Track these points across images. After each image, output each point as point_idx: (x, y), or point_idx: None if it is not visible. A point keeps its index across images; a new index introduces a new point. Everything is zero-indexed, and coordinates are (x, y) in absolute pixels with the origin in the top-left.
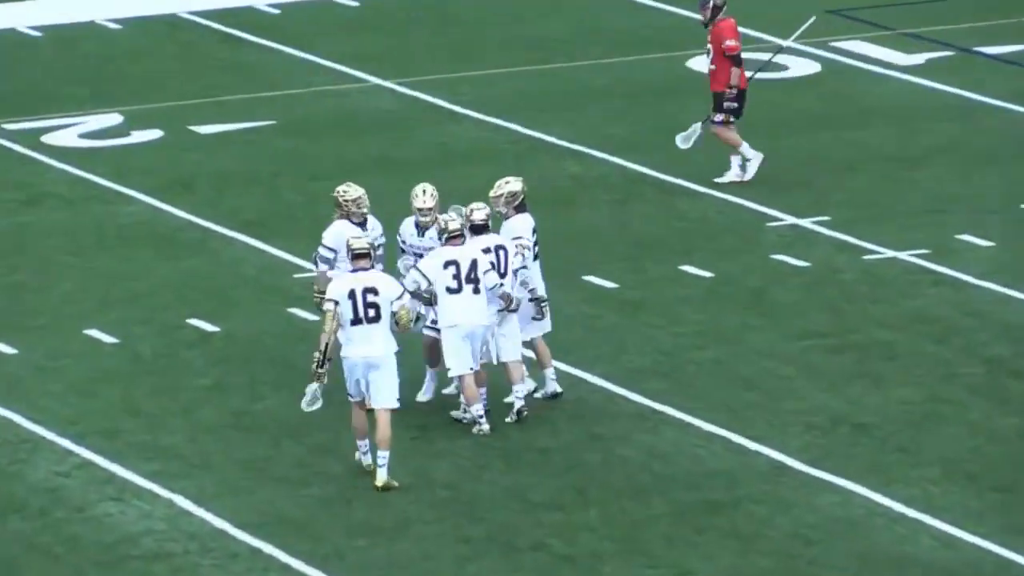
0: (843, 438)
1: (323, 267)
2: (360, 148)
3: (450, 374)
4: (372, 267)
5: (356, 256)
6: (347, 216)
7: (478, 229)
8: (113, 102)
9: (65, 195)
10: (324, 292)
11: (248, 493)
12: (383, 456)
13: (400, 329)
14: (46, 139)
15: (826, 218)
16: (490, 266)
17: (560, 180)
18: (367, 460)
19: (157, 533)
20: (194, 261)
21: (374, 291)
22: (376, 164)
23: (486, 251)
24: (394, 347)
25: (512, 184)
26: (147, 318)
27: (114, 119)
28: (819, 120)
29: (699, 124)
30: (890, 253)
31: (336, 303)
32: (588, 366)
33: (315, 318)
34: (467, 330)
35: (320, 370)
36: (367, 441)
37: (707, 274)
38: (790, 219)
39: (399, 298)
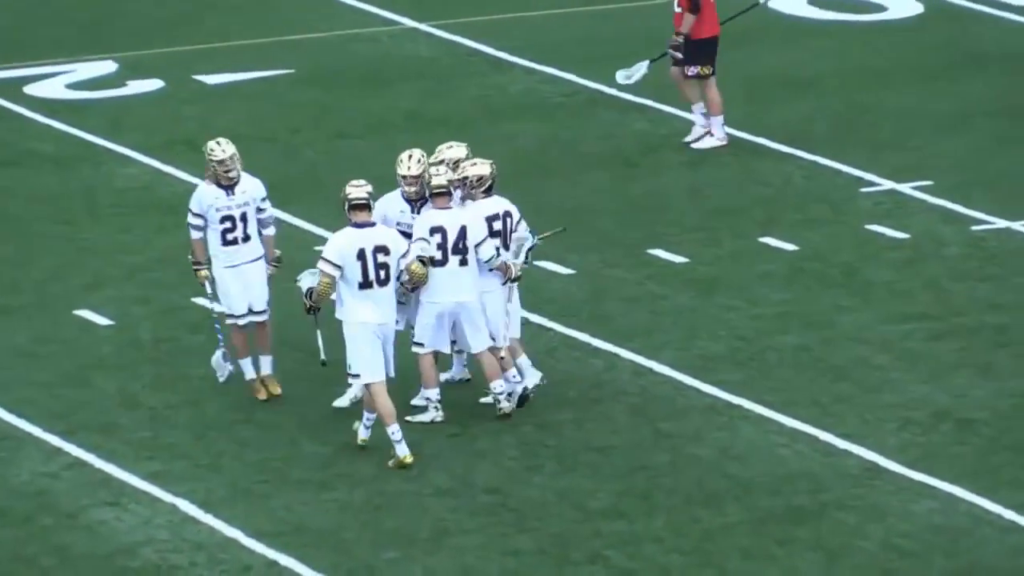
0: (946, 436)
1: (196, 235)
2: (391, 101)
3: (415, 350)
4: (375, 222)
5: (355, 207)
6: (215, 178)
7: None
8: (107, 47)
9: (51, 154)
10: (201, 262)
11: (262, 498)
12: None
13: (415, 283)
14: (29, 89)
15: (928, 182)
16: (485, 236)
17: (623, 139)
18: (403, 449)
19: (158, 543)
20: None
21: (385, 250)
22: (409, 120)
23: (494, 218)
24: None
25: (480, 167)
26: (146, 297)
27: (107, 67)
28: (921, 69)
29: (646, 63)
30: (1002, 223)
31: (340, 268)
32: (654, 353)
33: None
34: (446, 307)
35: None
36: (398, 425)
37: (791, 247)
38: (887, 184)
39: (404, 255)
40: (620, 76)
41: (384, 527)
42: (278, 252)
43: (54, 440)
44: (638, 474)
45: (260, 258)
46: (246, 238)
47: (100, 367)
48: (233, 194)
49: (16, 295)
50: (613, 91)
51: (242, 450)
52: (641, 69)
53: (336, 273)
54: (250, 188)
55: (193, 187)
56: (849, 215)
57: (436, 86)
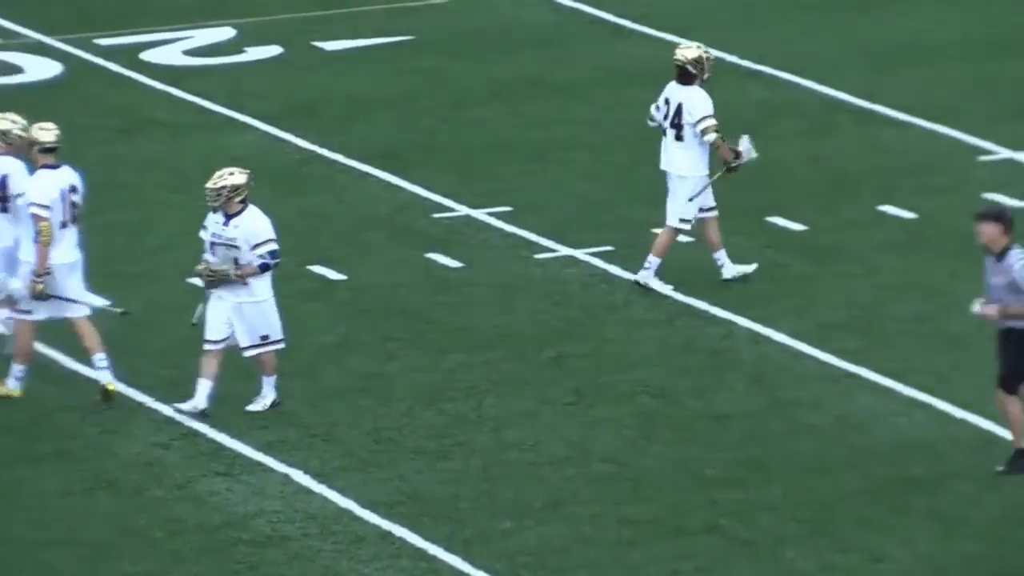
0: None
1: None
2: (512, 68)
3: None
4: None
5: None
6: None
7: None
8: (224, 13)
9: (168, 122)
10: None
11: (377, 467)
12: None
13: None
14: (146, 56)
15: None
16: None
17: (743, 107)
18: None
19: (270, 514)
20: (317, 199)
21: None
22: (531, 86)
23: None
24: None
25: (236, 176)
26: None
27: (226, 33)
28: None
29: None
30: None
31: None
32: (773, 321)
33: (457, 264)
34: None
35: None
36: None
37: (910, 215)
38: (1005, 152)
39: None
40: None
41: (499, 497)
42: None
43: (165, 410)
44: (755, 443)
45: None
46: None
47: None
48: None
49: (130, 263)
50: (734, 59)
51: (357, 419)
52: None
53: None
54: None
55: (310, 154)
56: (967, 184)
57: (557, 53)
